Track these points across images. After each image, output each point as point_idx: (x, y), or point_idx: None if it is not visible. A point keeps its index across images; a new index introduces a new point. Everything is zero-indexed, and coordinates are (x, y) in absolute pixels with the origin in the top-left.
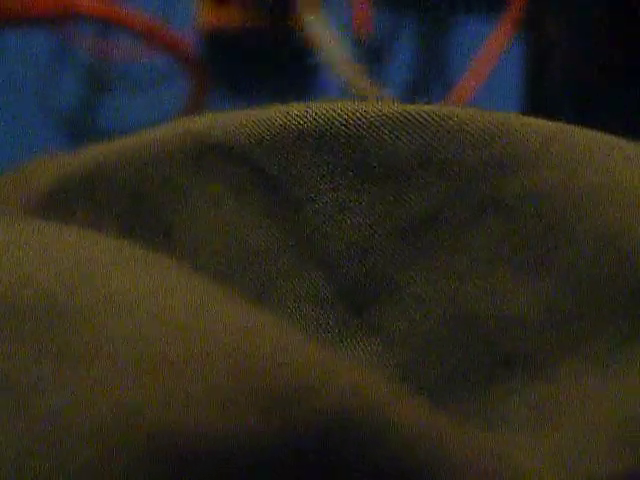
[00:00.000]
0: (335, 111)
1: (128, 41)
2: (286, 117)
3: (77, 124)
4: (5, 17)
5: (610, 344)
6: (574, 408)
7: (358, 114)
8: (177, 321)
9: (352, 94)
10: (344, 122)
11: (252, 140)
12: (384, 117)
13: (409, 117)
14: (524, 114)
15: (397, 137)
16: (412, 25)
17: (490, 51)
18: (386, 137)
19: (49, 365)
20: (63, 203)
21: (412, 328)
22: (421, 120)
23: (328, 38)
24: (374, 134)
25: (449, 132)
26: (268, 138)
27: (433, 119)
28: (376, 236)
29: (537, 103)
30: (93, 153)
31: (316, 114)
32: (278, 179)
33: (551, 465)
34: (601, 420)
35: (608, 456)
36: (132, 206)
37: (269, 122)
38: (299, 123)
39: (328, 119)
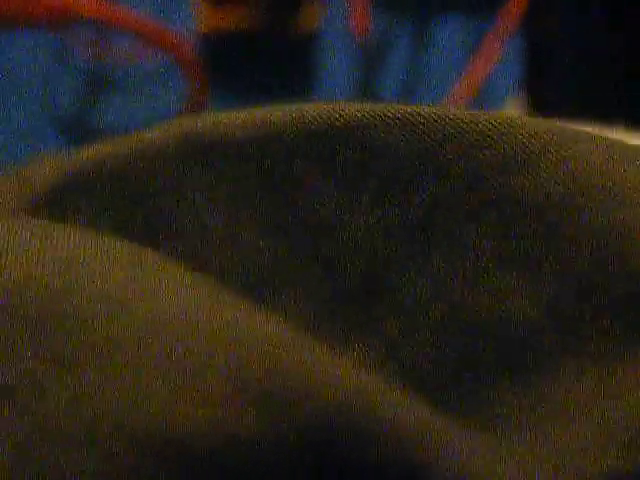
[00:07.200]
0: (335, 112)
1: (127, 42)
2: (286, 117)
3: (77, 125)
4: (5, 18)
5: (610, 344)
6: (574, 408)
7: (358, 115)
8: (176, 322)
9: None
10: (344, 123)
11: (252, 140)
12: (384, 118)
13: (409, 118)
14: (524, 114)
15: (397, 138)
16: (411, 24)
17: (489, 49)
18: (386, 138)
19: (48, 367)
20: (62, 203)
21: (412, 328)
22: (421, 121)
23: None
24: (374, 135)
25: (449, 133)
26: (268, 138)
27: (434, 120)
28: (376, 236)
29: (537, 102)
30: (92, 153)
31: (316, 115)
32: (278, 179)
33: (552, 465)
34: (601, 420)
35: (608, 457)
36: (132, 206)
37: (269, 122)
38: (299, 123)
39: (328, 120)
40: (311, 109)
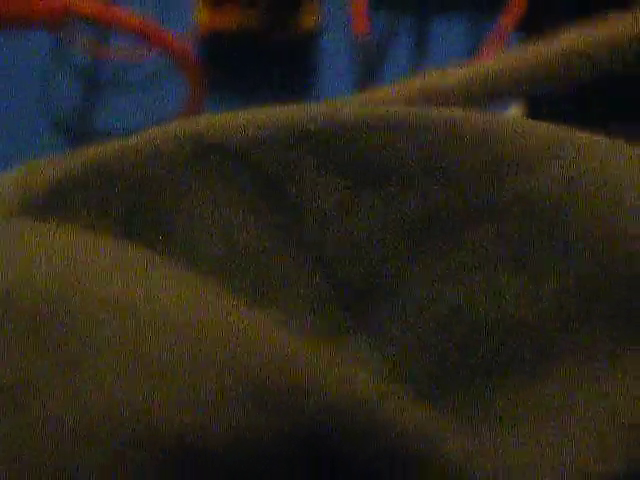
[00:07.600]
0: (335, 112)
1: (126, 42)
2: (286, 118)
3: (75, 125)
4: (4, 18)
5: (609, 344)
6: (574, 408)
7: (358, 116)
8: (174, 323)
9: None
10: (344, 123)
11: (252, 141)
12: (384, 119)
13: (409, 120)
14: (524, 115)
15: (397, 139)
16: (411, 24)
17: (489, 49)
18: (386, 139)
19: (45, 366)
20: (62, 204)
21: (409, 328)
22: (421, 122)
23: None
24: (374, 136)
25: (449, 134)
26: (268, 139)
27: (433, 121)
28: (375, 238)
29: (537, 103)
30: (92, 154)
31: (316, 115)
32: (278, 180)
33: (547, 464)
34: (600, 420)
35: (607, 456)
36: (131, 207)
37: (269, 123)
38: (299, 124)
39: (328, 120)
40: (310, 110)
